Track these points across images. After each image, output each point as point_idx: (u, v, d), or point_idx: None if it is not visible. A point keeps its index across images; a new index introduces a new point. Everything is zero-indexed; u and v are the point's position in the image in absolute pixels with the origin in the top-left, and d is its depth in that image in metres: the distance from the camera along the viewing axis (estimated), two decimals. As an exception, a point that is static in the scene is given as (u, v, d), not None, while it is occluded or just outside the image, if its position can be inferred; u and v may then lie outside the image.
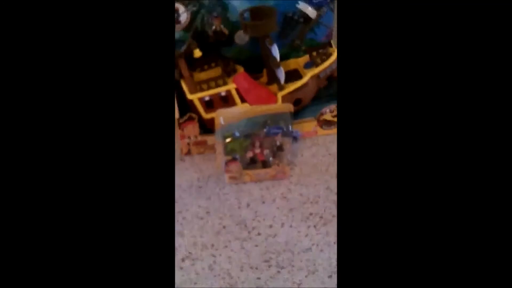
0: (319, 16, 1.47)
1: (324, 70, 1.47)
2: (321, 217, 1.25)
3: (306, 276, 1.12)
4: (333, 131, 1.49)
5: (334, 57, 1.47)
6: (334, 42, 1.53)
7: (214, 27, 1.44)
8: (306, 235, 1.21)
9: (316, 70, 1.46)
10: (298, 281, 1.11)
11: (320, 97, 1.49)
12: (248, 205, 1.29)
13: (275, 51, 1.43)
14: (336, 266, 1.13)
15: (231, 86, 1.41)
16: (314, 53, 1.49)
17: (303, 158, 1.43)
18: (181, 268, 1.14)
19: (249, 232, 1.22)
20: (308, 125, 1.47)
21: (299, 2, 1.45)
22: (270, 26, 1.42)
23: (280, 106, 1.38)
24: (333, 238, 1.20)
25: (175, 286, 1.09)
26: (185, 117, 1.38)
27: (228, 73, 1.46)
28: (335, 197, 1.30)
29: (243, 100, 1.42)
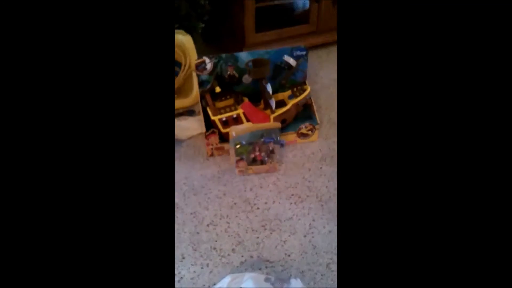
0: (298, 65, 1.48)
1: (301, 100, 1.47)
2: (299, 197, 1.25)
3: (289, 236, 1.12)
4: (308, 140, 1.48)
5: (307, 91, 1.47)
6: (307, 82, 1.53)
7: (228, 72, 1.45)
8: (289, 209, 1.21)
9: (295, 100, 1.46)
10: (284, 239, 1.11)
11: (298, 118, 1.49)
12: (251, 189, 1.29)
13: (269, 88, 1.44)
14: (309, 229, 1.14)
15: (240, 111, 1.41)
16: (295, 89, 1.49)
17: (287, 158, 1.42)
18: (207, 231, 1.14)
19: (251, 207, 1.22)
20: (290, 136, 1.47)
21: (285, 55, 1.45)
22: (265, 71, 1.44)
23: (272, 124, 1.38)
24: (307, 210, 1.20)
25: (203, 245, 1.10)
26: (210, 131, 1.38)
27: (238, 102, 1.46)
28: (309, 184, 1.30)
29: (248, 120, 1.42)
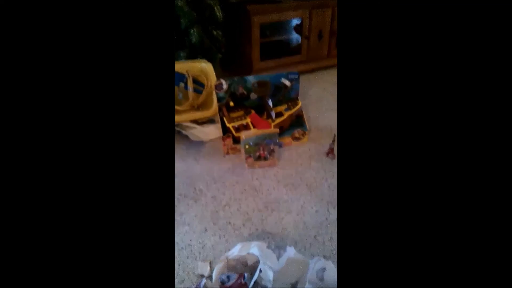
0: (291, 85, 1.47)
1: (294, 112, 1.46)
2: (293, 185, 1.24)
3: (285, 214, 1.11)
4: (300, 142, 1.47)
5: (299, 105, 1.46)
6: (299, 98, 1.52)
7: (239, 91, 1.45)
8: (286, 194, 1.20)
9: (290, 112, 1.46)
10: (282, 217, 1.10)
11: (292, 125, 1.48)
12: (257, 179, 1.28)
13: (270, 103, 1.44)
14: (301, 209, 1.13)
15: (248, 120, 1.41)
16: (290, 103, 1.48)
17: (284, 156, 1.41)
18: (223, 210, 1.13)
19: (257, 192, 1.21)
20: (287, 139, 1.46)
21: (282, 78, 1.45)
22: (267, 90, 1.44)
23: (272, 130, 1.37)
24: (299, 195, 1.19)
25: (220, 221, 1.10)
26: (226, 135, 1.38)
27: (247, 113, 1.46)
28: (300, 175, 1.29)
29: (254, 127, 1.41)
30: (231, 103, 1.45)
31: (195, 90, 1.50)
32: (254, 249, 0.87)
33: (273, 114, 1.45)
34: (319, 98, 1.86)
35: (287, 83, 1.46)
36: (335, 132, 1.42)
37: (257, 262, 0.86)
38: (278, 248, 0.91)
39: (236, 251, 0.89)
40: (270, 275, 0.83)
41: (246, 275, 0.85)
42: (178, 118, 1.44)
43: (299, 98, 1.53)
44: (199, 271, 0.93)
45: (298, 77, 1.47)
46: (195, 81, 1.50)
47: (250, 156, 1.32)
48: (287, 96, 1.51)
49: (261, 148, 1.32)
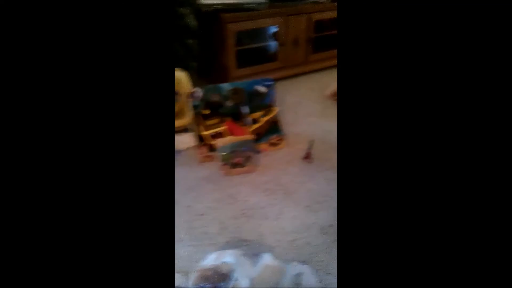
0: (267, 92, 1.49)
1: (271, 118, 1.48)
2: (270, 190, 1.25)
3: (262, 221, 1.11)
4: (277, 148, 1.48)
5: (276, 111, 1.48)
6: (276, 104, 1.53)
7: (214, 98, 1.45)
8: (263, 200, 1.20)
9: (266, 118, 1.47)
10: (259, 223, 1.10)
11: (269, 131, 1.49)
12: (233, 186, 1.28)
13: (246, 109, 1.45)
14: (278, 215, 1.13)
15: (224, 127, 1.41)
16: (266, 110, 1.50)
17: (262, 162, 1.41)
18: (199, 220, 1.12)
19: (234, 200, 1.21)
20: (264, 146, 1.47)
21: (256, 85, 1.47)
22: (241, 97, 1.45)
23: (248, 136, 1.37)
24: (276, 201, 1.19)
25: (195, 230, 1.09)
26: (202, 143, 1.38)
27: (222, 121, 1.46)
28: (278, 181, 1.29)
29: (230, 134, 1.42)
30: (206, 111, 1.45)
31: (169, 99, 1.50)
32: (229, 257, 0.87)
33: (249, 121, 1.45)
34: (296, 104, 1.89)
35: (262, 89, 1.48)
36: (313, 137, 1.45)
37: (232, 270, 0.85)
38: (254, 255, 0.91)
39: (210, 260, 0.88)
40: (245, 283, 0.83)
41: (221, 284, 0.84)
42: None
43: (276, 104, 1.55)
44: (175, 283, 0.91)
45: (273, 84, 1.49)
46: (170, 89, 1.50)
47: (226, 164, 1.32)
48: (263, 103, 1.52)
49: (237, 155, 1.32)
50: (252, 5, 1.87)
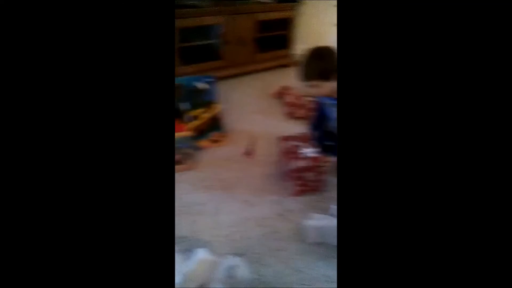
0: (208, 89, 1.49)
1: (213, 115, 1.48)
2: (208, 187, 1.25)
3: (198, 217, 1.10)
4: (219, 145, 1.49)
5: (218, 108, 1.49)
6: (220, 102, 1.54)
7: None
8: (201, 197, 1.20)
9: (207, 115, 1.47)
10: (194, 220, 1.09)
11: (211, 128, 1.50)
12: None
13: (185, 106, 1.44)
14: (215, 211, 1.14)
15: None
16: (208, 107, 1.50)
17: (203, 159, 1.41)
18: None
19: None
20: (205, 143, 1.47)
21: (195, 82, 1.47)
22: (179, 93, 1.44)
23: (185, 133, 1.36)
24: (215, 197, 1.20)
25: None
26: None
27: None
28: (217, 177, 1.30)
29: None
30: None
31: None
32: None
33: (189, 117, 1.45)
34: (241, 102, 1.92)
35: (201, 86, 1.48)
36: (256, 134, 1.48)
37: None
38: (188, 250, 0.91)
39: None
40: (178, 278, 0.83)
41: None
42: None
43: (219, 102, 1.56)
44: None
45: (214, 81, 1.50)
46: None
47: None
48: (204, 100, 1.52)
49: (176, 152, 1.31)
50: (193, 1, 1.86)
